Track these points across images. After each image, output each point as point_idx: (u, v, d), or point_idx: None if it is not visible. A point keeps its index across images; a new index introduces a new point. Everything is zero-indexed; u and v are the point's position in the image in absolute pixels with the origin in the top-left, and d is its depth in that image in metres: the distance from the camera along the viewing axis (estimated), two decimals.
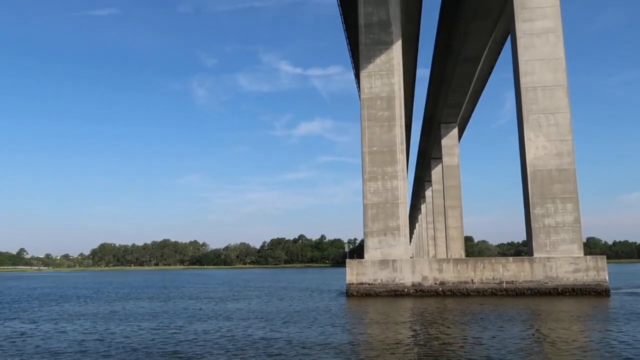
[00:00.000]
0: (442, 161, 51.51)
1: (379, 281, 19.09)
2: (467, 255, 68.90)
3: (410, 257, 22.09)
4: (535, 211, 17.69)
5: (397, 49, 18.87)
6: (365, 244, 18.15)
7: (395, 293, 19.34)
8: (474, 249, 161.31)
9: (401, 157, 18.36)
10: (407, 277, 19.27)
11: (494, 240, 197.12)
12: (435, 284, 20.09)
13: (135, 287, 44.30)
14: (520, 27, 18.29)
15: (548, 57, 17.96)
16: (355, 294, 20.00)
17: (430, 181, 71.21)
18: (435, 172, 62.90)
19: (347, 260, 19.88)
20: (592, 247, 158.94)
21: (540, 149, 17.71)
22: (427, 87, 44.87)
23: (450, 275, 19.75)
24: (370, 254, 19.08)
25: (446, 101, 44.43)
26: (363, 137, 18.68)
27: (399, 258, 18.84)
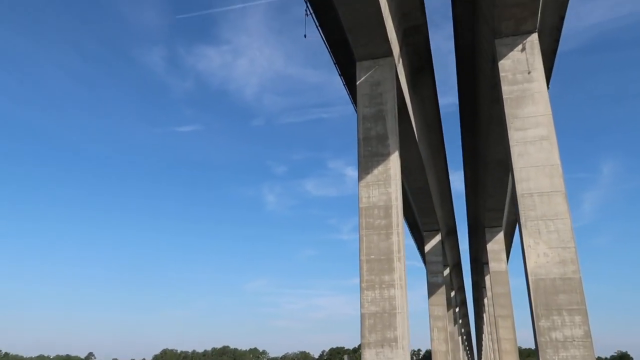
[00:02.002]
0: (489, 267, 49.35)
1: None
2: None
3: None
4: (541, 324, 16.55)
5: (394, 159, 19.60)
6: (362, 357, 17.54)
7: None
8: None
9: (398, 265, 18.24)
10: None
11: None
12: None
13: None
14: (513, 135, 18.61)
15: (543, 164, 17.91)
16: None
17: (485, 288, 67.70)
18: (487, 279, 59.97)
19: None
20: None
21: (541, 256, 17.01)
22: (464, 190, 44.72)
23: None
24: None
25: (485, 205, 43.75)
26: (361, 245, 18.89)
27: None
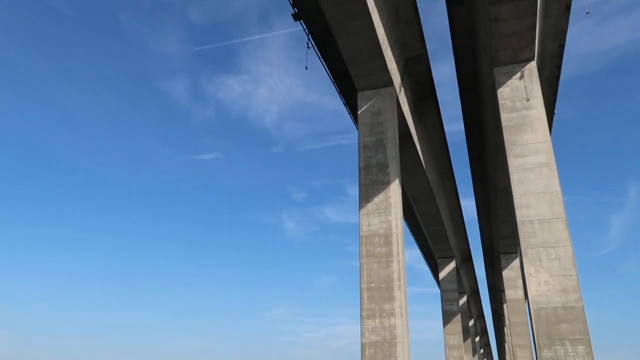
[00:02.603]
0: (505, 295, 48.41)
1: None
2: None
3: None
4: (543, 354, 16.20)
5: (394, 188, 19.73)
6: None
7: None
8: None
9: (399, 293, 18.17)
10: None
11: None
12: None
13: None
14: (513, 162, 18.63)
15: (543, 191, 17.84)
16: None
17: (504, 316, 66.18)
18: (505, 307, 58.65)
19: None
20: None
21: (542, 284, 16.78)
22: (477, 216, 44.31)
23: None
24: None
25: (499, 232, 43.25)
26: (361, 274, 18.90)
27: None
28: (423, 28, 22.12)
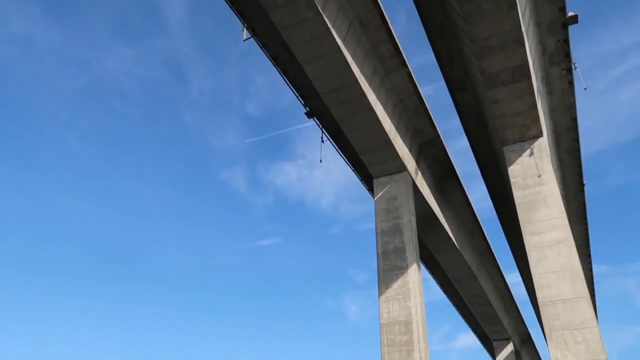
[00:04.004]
0: None
1: None
2: None
3: None
4: None
5: (412, 273, 19.69)
6: None
7: None
8: None
9: None
10: None
11: None
12: None
13: None
14: (529, 240, 18.29)
15: (563, 269, 17.25)
16: None
17: None
18: None
19: None
20: None
21: None
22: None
23: None
24: None
25: None
26: None
27: None
28: (433, 113, 23.00)
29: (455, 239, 29.28)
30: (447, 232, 27.83)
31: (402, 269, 19.97)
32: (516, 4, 15.48)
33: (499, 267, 36.27)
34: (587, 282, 39.07)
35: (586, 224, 30.78)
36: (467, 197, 28.23)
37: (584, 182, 26.42)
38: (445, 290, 39.95)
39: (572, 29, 18.51)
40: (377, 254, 20.98)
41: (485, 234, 31.85)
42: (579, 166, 25.08)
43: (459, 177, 26.70)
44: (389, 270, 20.22)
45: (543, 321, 16.77)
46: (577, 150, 24.03)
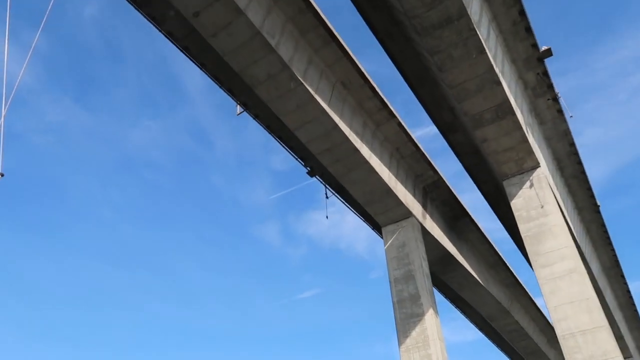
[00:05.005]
0: None
1: None
2: None
3: None
4: None
5: (430, 318, 19.58)
6: None
7: None
8: None
9: None
10: None
11: None
12: None
13: None
14: (540, 273, 18.13)
15: (578, 299, 16.96)
16: None
17: None
18: None
19: None
20: None
21: None
22: None
23: None
24: None
25: None
26: None
27: None
28: (432, 155, 23.47)
29: (478, 275, 28.93)
30: (467, 270, 27.58)
31: (418, 316, 19.90)
32: (484, 49, 16.17)
33: (531, 299, 35.31)
34: (626, 304, 37.54)
35: (611, 244, 30.02)
36: (482, 232, 28.10)
37: (598, 203, 26.08)
38: (481, 329, 38.91)
39: (551, 59, 19.05)
40: (393, 302, 21.00)
41: (509, 266, 31.34)
42: (589, 188, 24.87)
43: (470, 214, 26.73)
44: (406, 319, 20.17)
45: (565, 356, 16.41)
46: (583, 172, 23.93)
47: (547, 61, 18.77)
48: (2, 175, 6.84)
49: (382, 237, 27.50)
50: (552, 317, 17.14)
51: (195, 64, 18.07)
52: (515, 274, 32.04)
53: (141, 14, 16.41)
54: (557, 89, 19.40)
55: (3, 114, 6.77)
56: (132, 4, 16.03)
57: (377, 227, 26.50)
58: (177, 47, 17.47)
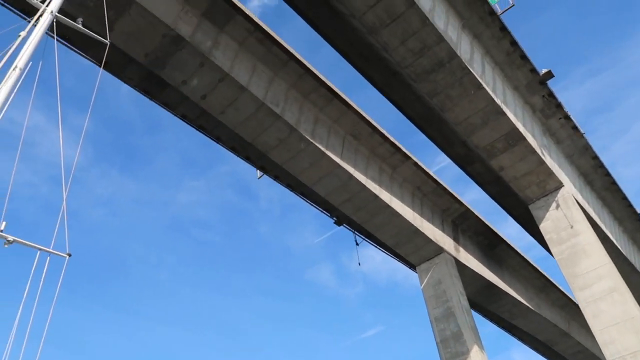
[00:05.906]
0: None
1: None
2: None
3: None
4: None
5: (475, 356, 19.28)
6: None
7: None
8: None
9: None
10: None
11: None
12: None
13: None
14: (579, 296, 17.65)
15: (623, 319, 16.38)
16: None
17: None
18: None
19: None
20: None
21: None
22: None
23: None
24: None
25: None
26: None
27: None
28: (455, 187, 23.57)
29: (527, 301, 28.12)
30: (514, 297, 26.92)
31: (464, 354, 19.58)
32: (481, 84, 16.57)
33: None
34: None
35: None
36: (522, 256, 27.51)
37: (639, 211, 25.24)
38: (544, 354, 37.26)
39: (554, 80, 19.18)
40: (436, 342, 20.75)
41: (559, 286, 30.31)
42: (624, 198, 24.18)
43: (506, 239, 26.33)
44: (451, 358, 19.86)
45: None
46: (614, 183, 23.36)
47: (556, 77, 18.91)
48: (70, 255, 7.26)
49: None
50: (599, 341, 16.60)
51: (211, 138, 19.21)
52: (566, 293, 30.88)
53: (155, 102, 17.79)
54: (573, 103, 19.38)
55: (64, 196, 7.34)
56: (145, 95, 17.45)
57: (413, 266, 26.45)
58: (192, 127, 18.70)
